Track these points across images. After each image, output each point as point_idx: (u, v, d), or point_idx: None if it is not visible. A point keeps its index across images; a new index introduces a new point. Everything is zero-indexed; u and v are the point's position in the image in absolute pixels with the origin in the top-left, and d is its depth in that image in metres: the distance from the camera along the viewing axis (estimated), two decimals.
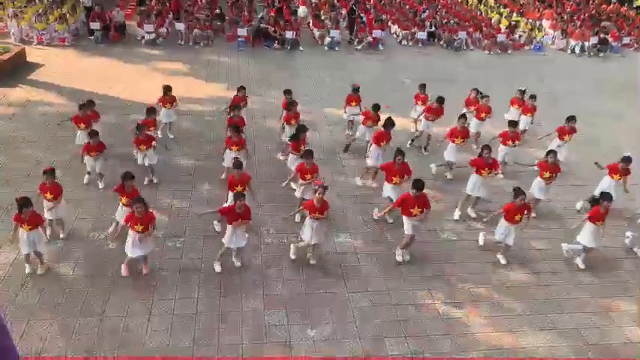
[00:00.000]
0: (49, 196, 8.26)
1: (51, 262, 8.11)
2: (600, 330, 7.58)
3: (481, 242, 9.21)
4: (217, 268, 8.21)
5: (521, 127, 12.52)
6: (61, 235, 8.70)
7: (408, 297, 7.96)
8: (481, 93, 12.74)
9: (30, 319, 7.11)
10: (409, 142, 12.57)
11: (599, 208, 8.40)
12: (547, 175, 9.72)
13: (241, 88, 11.96)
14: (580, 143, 12.17)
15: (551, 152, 9.82)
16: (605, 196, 8.45)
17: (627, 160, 9.87)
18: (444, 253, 9.02)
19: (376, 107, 11.41)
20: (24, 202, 7.39)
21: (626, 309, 8.01)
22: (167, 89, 11.84)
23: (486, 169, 9.53)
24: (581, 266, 8.82)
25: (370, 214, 9.84)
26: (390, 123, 10.48)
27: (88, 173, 10.19)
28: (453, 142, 10.85)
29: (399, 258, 8.67)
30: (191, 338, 6.99)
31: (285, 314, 7.49)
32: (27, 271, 7.87)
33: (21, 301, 7.40)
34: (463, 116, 10.96)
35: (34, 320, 7.10)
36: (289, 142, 10.34)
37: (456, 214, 9.96)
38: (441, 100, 11.98)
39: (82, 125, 10.61)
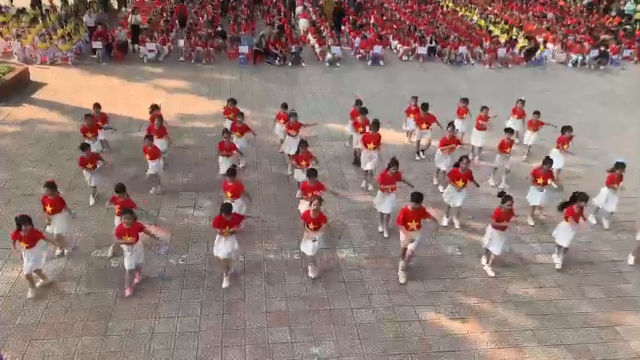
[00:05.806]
0: (49, 208, 8.28)
1: (53, 281, 8.08)
2: (607, 345, 7.48)
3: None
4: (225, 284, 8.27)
5: (525, 142, 12.87)
6: (57, 252, 8.63)
7: (412, 313, 7.88)
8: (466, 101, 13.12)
9: (31, 339, 7.06)
10: (416, 156, 12.70)
11: (573, 207, 8.61)
12: (540, 181, 9.86)
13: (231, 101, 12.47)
14: (583, 156, 12.18)
15: (547, 160, 9.90)
16: (581, 196, 8.63)
17: (622, 166, 9.98)
18: (448, 268, 8.95)
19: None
20: (23, 220, 7.36)
21: (633, 323, 7.90)
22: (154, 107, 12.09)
23: (460, 180, 9.59)
24: (558, 266, 9.03)
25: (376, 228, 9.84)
26: (375, 124, 10.81)
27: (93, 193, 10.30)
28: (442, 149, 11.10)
29: (402, 280, 8.54)
30: (194, 357, 6.92)
31: (289, 331, 7.42)
32: (29, 295, 7.75)
33: (22, 321, 7.36)
34: (451, 124, 11.27)
35: (35, 340, 7.05)
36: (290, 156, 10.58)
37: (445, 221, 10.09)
38: (424, 106, 12.34)
39: (90, 135, 11.03)
